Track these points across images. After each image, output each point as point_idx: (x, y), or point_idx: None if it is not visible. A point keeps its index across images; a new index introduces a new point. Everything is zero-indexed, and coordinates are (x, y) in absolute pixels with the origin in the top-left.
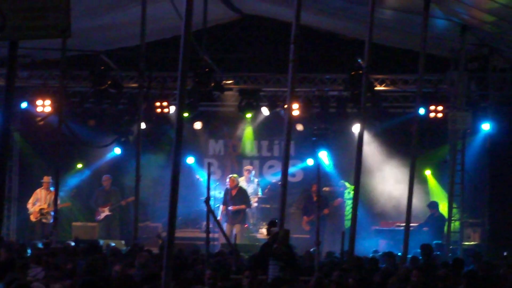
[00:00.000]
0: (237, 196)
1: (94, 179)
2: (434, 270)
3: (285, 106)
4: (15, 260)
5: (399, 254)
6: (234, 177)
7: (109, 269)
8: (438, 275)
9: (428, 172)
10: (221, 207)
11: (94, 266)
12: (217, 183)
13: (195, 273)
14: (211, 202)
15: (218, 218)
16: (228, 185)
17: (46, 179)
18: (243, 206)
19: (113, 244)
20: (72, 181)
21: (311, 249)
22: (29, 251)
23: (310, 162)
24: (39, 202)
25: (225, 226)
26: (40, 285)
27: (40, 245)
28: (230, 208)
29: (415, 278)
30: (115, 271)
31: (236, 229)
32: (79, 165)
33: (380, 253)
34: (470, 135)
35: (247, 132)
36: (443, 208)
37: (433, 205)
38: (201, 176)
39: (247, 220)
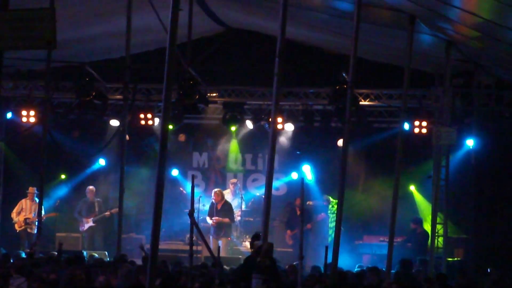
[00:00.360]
0: (222, 209)
1: (78, 190)
2: (414, 285)
3: (270, 119)
4: None
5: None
6: (219, 191)
7: (92, 280)
8: None
9: (412, 188)
10: (209, 220)
11: (76, 277)
12: (201, 196)
13: (178, 285)
14: (195, 215)
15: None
16: (214, 199)
17: (31, 189)
18: (226, 220)
19: (96, 255)
20: (56, 191)
21: (295, 263)
22: (11, 260)
23: (294, 176)
24: (23, 212)
25: (210, 239)
26: None
27: (23, 255)
28: (213, 220)
29: None
30: (98, 282)
31: (222, 242)
32: (63, 176)
33: (365, 268)
34: (454, 151)
35: (232, 146)
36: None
37: (417, 221)
38: (185, 188)
39: (231, 233)
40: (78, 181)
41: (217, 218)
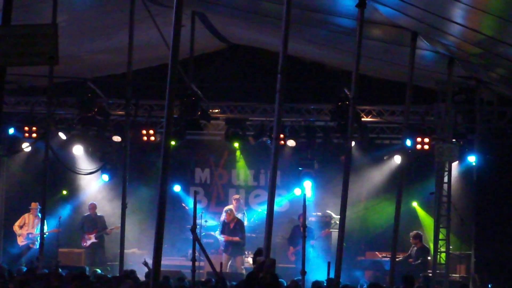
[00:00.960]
0: (234, 228)
1: (80, 205)
2: None
3: (272, 135)
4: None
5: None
6: (231, 210)
7: None
8: None
9: (414, 204)
10: (222, 237)
11: None
12: (203, 212)
13: None
14: (197, 231)
15: (221, 248)
16: (225, 218)
17: (34, 205)
18: (236, 238)
19: (99, 271)
20: (58, 207)
21: (296, 278)
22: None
23: (297, 192)
24: (26, 226)
25: (224, 256)
26: None
27: (24, 270)
28: (223, 238)
29: None
30: None
31: (238, 260)
32: (64, 192)
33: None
34: (456, 167)
35: (240, 162)
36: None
37: (416, 237)
38: (187, 204)
39: (243, 251)
40: (80, 197)
41: (226, 236)
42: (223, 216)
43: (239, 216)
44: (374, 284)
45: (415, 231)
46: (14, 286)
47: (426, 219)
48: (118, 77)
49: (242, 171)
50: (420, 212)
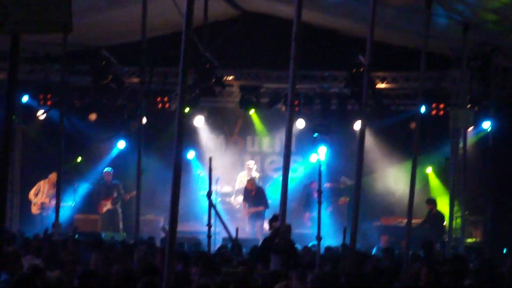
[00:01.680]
0: (256, 196)
1: (95, 173)
2: (437, 267)
3: (286, 102)
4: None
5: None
6: (252, 179)
7: (110, 263)
8: (442, 271)
9: (429, 170)
10: (244, 204)
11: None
12: (218, 178)
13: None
14: (213, 197)
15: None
16: (247, 186)
17: (53, 176)
18: (261, 208)
19: (115, 237)
20: (73, 174)
21: (310, 244)
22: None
23: (313, 158)
24: (40, 194)
25: (247, 222)
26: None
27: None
28: (248, 209)
29: (425, 277)
30: (115, 264)
31: (258, 226)
32: (79, 159)
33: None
34: (471, 133)
35: (255, 129)
36: (445, 205)
37: (431, 202)
38: (202, 170)
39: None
40: (95, 164)
41: (251, 208)
42: (238, 183)
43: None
44: (388, 249)
45: (429, 197)
46: (31, 252)
47: (436, 186)
48: (132, 45)
49: (257, 138)
50: (432, 179)
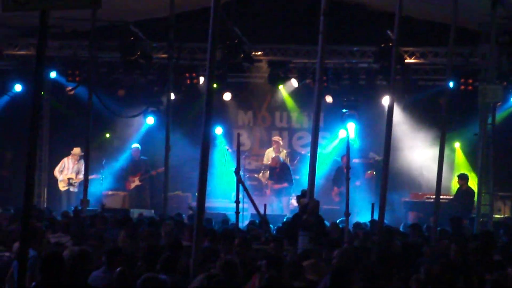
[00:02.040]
0: (281, 173)
1: (124, 149)
2: (465, 243)
3: (315, 78)
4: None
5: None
6: (277, 156)
7: (138, 240)
8: (470, 247)
9: (457, 145)
10: (269, 182)
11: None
12: (246, 154)
13: (224, 243)
14: (241, 173)
15: (267, 192)
16: (271, 164)
17: (76, 150)
18: (285, 184)
19: (144, 214)
20: (101, 150)
21: (338, 220)
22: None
23: (342, 133)
24: (65, 170)
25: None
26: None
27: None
28: (273, 186)
29: (454, 253)
30: (142, 239)
31: (284, 201)
32: (107, 135)
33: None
34: (500, 108)
35: (289, 104)
36: (472, 181)
37: (463, 177)
38: (230, 147)
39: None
40: (123, 140)
41: (275, 186)
42: (266, 159)
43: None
44: (415, 224)
45: (461, 172)
46: (59, 230)
47: (461, 161)
48: (160, 20)
49: (285, 113)
50: (458, 154)
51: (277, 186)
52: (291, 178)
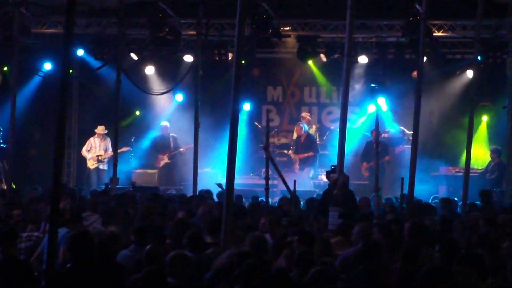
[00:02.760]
0: (306, 143)
1: (153, 126)
2: (494, 216)
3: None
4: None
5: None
6: (301, 124)
7: (169, 215)
8: (498, 220)
9: (485, 118)
10: (293, 156)
11: (151, 213)
12: (276, 130)
13: (253, 219)
14: (270, 149)
15: (294, 167)
16: (296, 132)
17: (100, 128)
18: (310, 153)
19: (174, 191)
20: (131, 128)
21: (371, 196)
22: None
23: (371, 108)
24: (93, 149)
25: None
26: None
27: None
28: (298, 155)
29: (483, 228)
30: (177, 217)
31: (305, 172)
32: (137, 113)
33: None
34: None
35: (318, 79)
36: (482, 155)
37: (496, 151)
38: (260, 123)
39: (315, 164)
40: (153, 118)
41: (301, 154)
42: (295, 135)
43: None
44: (445, 199)
45: (494, 146)
46: (88, 208)
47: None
48: None
49: (314, 88)
50: (482, 127)
51: (303, 156)
52: (317, 147)
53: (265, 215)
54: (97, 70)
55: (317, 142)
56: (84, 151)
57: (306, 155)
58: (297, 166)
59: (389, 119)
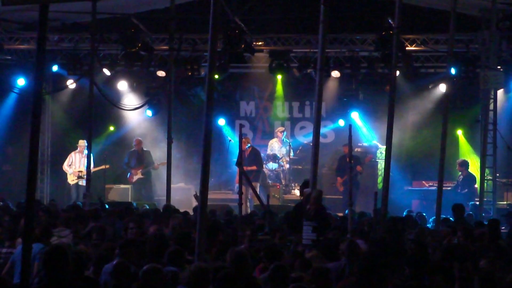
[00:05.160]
0: (250, 157)
1: (126, 141)
2: (470, 230)
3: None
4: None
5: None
6: (246, 138)
7: (144, 230)
8: (475, 235)
9: (459, 132)
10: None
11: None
12: (249, 144)
13: (227, 234)
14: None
15: (236, 180)
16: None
17: (81, 142)
18: (254, 167)
19: (147, 206)
20: (104, 143)
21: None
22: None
23: (341, 123)
24: (73, 165)
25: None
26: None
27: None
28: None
29: (462, 239)
30: (150, 232)
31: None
32: (111, 128)
33: (413, 213)
34: (502, 94)
35: (278, 93)
36: (475, 168)
37: (463, 164)
38: (232, 138)
39: (259, 179)
40: (125, 133)
41: (245, 167)
42: (269, 150)
43: (284, 149)
44: (419, 213)
45: (461, 159)
46: (59, 224)
47: (465, 148)
48: (161, 12)
49: (286, 103)
50: (462, 141)
51: (246, 168)
52: (261, 162)
53: (245, 229)
54: (70, 85)
55: (291, 156)
56: (65, 166)
57: (249, 168)
58: (237, 179)
59: (362, 133)
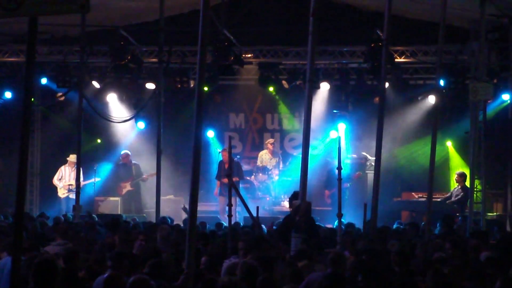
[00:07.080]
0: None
1: (115, 154)
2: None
3: (305, 79)
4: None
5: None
6: (225, 150)
7: (132, 243)
8: (469, 245)
9: (449, 143)
10: (217, 181)
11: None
12: (238, 157)
13: (216, 246)
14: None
15: (214, 192)
16: (223, 158)
17: (72, 157)
18: (236, 179)
19: (136, 219)
20: (93, 156)
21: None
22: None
23: (333, 134)
24: (63, 179)
25: (221, 199)
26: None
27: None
28: (222, 180)
29: (450, 251)
30: (139, 244)
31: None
32: (99, 140)
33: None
34: (491, 106)
35: (279, 106)
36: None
37: (462, 175)
38: (222, 150)
39: (270, 192)
40: (115, 146)
41: (224, 179)
42: (259, 161)
43: (274, 160)
44: (411, 223)
45: (461, 170)
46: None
47: (456, 160)
48: (150, 24)
49: (276, 115)
50: (452, 152)
51: (225, 181)
52: (242, 174)
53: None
54: (60, 98)
55: (280, 168)
56: (55, 180)
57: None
58: (217, 190)
59: (351, 145)
